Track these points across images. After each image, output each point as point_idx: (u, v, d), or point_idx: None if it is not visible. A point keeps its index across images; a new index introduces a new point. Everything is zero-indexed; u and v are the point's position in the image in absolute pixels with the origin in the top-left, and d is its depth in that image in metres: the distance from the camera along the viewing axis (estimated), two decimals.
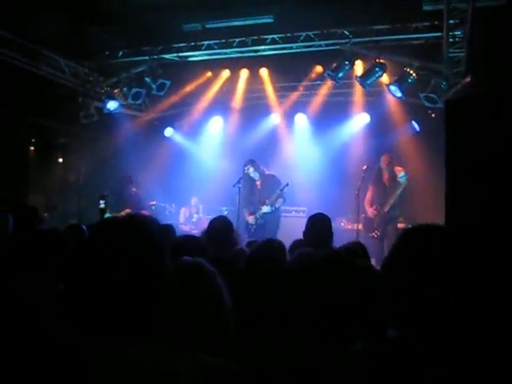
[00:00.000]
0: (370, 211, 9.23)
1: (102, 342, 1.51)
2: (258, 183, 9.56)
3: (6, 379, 2.17)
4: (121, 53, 10.71)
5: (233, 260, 3.96)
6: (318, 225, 4.84)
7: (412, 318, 1.56)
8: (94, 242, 1.64)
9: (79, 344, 1.61)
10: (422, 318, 1.54)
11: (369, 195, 9.37)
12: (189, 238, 3.88)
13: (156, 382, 1.44)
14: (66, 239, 3.21)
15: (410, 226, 7.75)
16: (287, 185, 9.28)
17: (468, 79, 8.10)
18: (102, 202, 6.74)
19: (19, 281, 2.72)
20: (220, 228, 4.59)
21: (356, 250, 3.60)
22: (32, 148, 12.06)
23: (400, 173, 9.04)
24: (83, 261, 1.62)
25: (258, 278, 3.43)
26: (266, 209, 9.30)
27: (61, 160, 13.01)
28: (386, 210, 9.06)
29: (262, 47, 9.87)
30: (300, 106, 12.31)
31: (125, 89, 10.99)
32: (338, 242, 4.84)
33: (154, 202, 11.69)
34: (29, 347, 2.25)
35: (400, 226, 9.43)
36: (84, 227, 4.32)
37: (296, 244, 4.91)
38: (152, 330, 1.54)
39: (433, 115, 9.81)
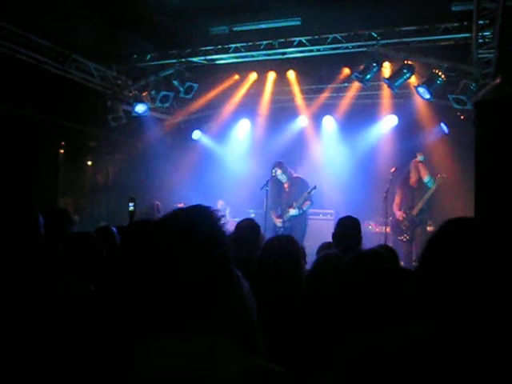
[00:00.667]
0: (399, 214, 9.17)
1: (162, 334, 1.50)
2: (286, 186, 9.54)
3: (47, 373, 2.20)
4: (149, 56, 10.81)
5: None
6: (347, 227, 4.82)
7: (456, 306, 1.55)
8: (161, 231, 1.59)
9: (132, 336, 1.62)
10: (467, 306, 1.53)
11: (397, 199, 9.31)
12: None
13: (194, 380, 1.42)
14: (99, 242, 3.26)
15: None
16: (315, 187, 9.25)
17: (498, 80, 7.99)
18: (131, 204, 6.77)
19: (60, 279, 2.76)
20: (247, 231, 4.58)
21: (384, 254, 3.57)
22: (62, 151, 12.21)
23: (426, 177, 8.97)
24: (149, 252, 1.60)
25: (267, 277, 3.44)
26: (293, 212, 9.27)
27: (90, 163, 13.16)
28: (414, 213, 8.98)
29: (289, 49, 9.87)
30: (327, 108, 12.27)
31: (153, 92, 11.09)
32: (366, 244, 4.82)
33: (182, 205, 11.75)
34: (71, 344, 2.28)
35: (429, 229, 9.33)
36: (114, 229, 4.35)
37: (324, 246, 4.90)
38: (214, 323, 1.52)
39: (462, 117, 9.70)
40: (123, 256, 2.51)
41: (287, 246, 3.69)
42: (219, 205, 12.14)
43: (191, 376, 1.39)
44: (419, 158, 9.08)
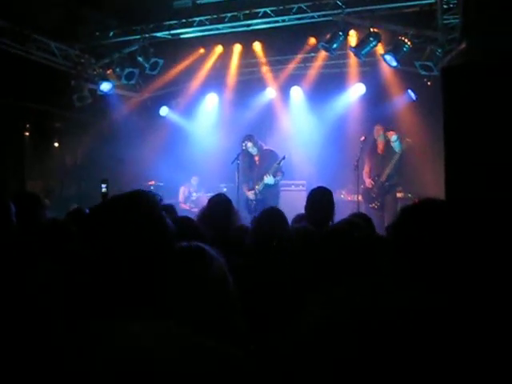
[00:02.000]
0: (368, 182, 9.25)
1: (106, 316, 1.49)
2: (257, 158, 9.52)
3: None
4: (112, 33, 10.59)
5: (236, 239, 3.98)
6: (319, 198, 4.82)
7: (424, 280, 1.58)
8: (97, 217, 1.62)
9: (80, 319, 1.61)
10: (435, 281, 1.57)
11: (366, 167, 9.39)
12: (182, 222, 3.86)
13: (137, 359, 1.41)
14: (72, 227, 3.21)
15: (409, 195, 7.74)
16: (284, 158, 9.24)
17: (463, 46, 8.03)
18: (103, 185, 6.71)
19: (35, 268, 2.72)
20: (219, 206, 4.57)
21: (359, 223, 3.59)
22: (27, 133, 12.01)
23: (392, 137, 9.01)
24: (87, 239, 1.61)
25: (266, 255, 3.45)
26: (268, 179, 9.20)
27: (57, 144, 12.98)
28: (383, 179, 9.05)
29: (255, 21, 9.77)
30: (295, 78, 12.23)
31: (118, 69, 10.91)
32: (339, 214, 4.83)
33: (153, 182, 11.69)
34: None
35: (399, 195, 9.45)
36: (87, 211, 4.30)
37: (298, 218, 4.91)
38: (154, 308, 1.53)
39: (429, 83, 9.76)
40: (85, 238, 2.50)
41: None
42: (194, 181, 12.08)
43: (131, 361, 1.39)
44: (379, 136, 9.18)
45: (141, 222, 1.56)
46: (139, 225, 1.55)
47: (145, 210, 1.60)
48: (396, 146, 8.98)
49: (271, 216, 3.78)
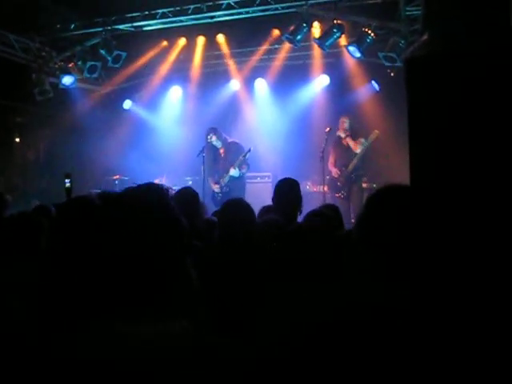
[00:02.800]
0: (334, 171, 9.30)
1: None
2: (222, 151, 9.51)
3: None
4: (73, 25, 10.42)
5: (203, 232, 3.96)
6: (287, 190, 4.82)
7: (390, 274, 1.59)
8: (111, 211, 1.55)
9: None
10: (400, 273, 1.57)
11: (331, 158, 9.44)
12: None
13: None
14: (39, 223, 3.14)
15: (374, 185, 7.82)
16: (249, 150, 9.25)
17: (425, 37, 8.11)
18: (67, 180, 6.59)
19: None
20: (186, 199, 4.54)
21: (328, 214, 3.60)
22: None
23: (358, 148, 9.13)
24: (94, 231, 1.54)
25: (234, 248, 3.44)
26: (233, 172, 9.22)
27: (18, 140, 12.73)
28: (350, 169, 9.12)
29: (218, 13, 9.72)
30: (259, 71, 12.22)
31: (79, 63, 10.74)
32: (306, 205, 4.85)
33: (118, 176, 11.56)
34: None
35: (364, 185, 9.52)
36: (52, 208, 4.21)
37: (264, 210, 4.91)
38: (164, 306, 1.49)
39: (392, 74, 9.85)
40: (66, 234, 2.43)
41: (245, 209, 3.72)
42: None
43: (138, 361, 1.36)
44: (341, 134, 9.23)
45: (153, 215, 1.50)
46: (151, 218, 1.50)
47: (157, 205, 1.54)
48: (364, 144, 9.08)
49: (237, 207, 3.77)
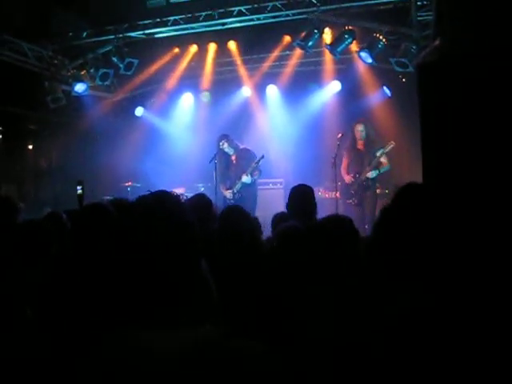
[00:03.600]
0: (348, 178, 9.19)
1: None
2: (233, 158, 9.52)
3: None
4: (85, 33, 10.47)
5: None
6: (301, 197, 4.79)
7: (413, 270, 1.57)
8: (126, 220, 1.54)
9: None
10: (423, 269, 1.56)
11: (344, 162, 9.31)
12: None
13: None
14: (49, 230, 3.15)
15: (386, 191, 7.74)
16: (263, 157, 9.24)
17: (437, 42, 8.09)
18: (79, 187, 6.61)
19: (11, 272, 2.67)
20: (199, 206, 4.54)
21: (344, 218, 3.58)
22: (0, 136, 11.83)
23: (386, 166, 9.02)
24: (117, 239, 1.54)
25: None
26: (245, 179, 9.21)
27: (31, 147, 12.81)
28: (363, 177, 8.98)
29: (229, 20, 9.74)
30: (271, 77, 12.23)
31: (92, 70, 10.81)
32: (318, 211, 4.83)
33: (130, 183, 11.59)
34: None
35: (378, 191, 9.45)
36: (63, 215, 4.22)
37: (278, 217, 4.89)
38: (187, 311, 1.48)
39: (403, 80, 9.81)
40: (82, 241, 2.44)
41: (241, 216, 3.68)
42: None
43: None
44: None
45: (167, 223, 1.50)
46: (165, 224, 1.49)
47: (171, 212, 1.53)
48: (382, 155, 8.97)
49: (233, 212, 3.74)
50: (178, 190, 11.53)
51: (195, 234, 1.54)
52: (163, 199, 1.57)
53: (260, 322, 2.18)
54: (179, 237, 1.49)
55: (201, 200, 4.74)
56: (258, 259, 3.30)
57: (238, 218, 3.61)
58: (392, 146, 8.89)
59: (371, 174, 8.93)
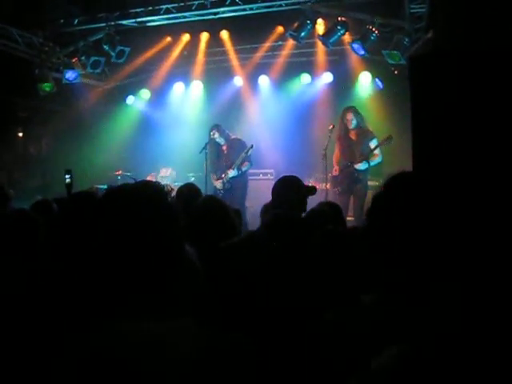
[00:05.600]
0: (335, 169, 9.04)
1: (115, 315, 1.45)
2: (224, 148, 9.52)
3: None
4: (76, 20, 10.38)
5: None
6: (283, 187, 4.73)
7: (403, 262, 1.57)
8: (107, 208, 1.55)
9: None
10: (413, 261, 1.55)
11: (336, 152, 9.22)
12: None
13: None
14: (36, 219, 3.14)
15: (377, 184, 7.68)
16: (252, 147, 9.23)
17: (429, 35, 8.10)
18: (67, 176, 6.57)
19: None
20: (188, 196, 4.54)
21: (327, 212, 3.57)
22: None
23: (378, 157, 8.87)
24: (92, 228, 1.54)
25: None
26: (232, 173, 9.26)
27: (21, 134, 12.74)
28: (355, 167, 8.81)
29: (222, 9, 9.70)
30: (263, 67, 12.20)
31: (83, 58, 10.72)
32: (308, 202, 4.82)
33: (120, 172, 11.55)
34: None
35: (370, 183, 9.40)
36: (53, 203, 4.20)
37: (267, 207, 4.88)
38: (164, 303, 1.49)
39: (396, 72, 9.81)
40: (69, 228, 2.43)
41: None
42: (167, 172, 11.85)
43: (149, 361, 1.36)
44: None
45: (150, 212, 1.50)
46: (148, 214, 1.50)
47: (153, 200, 1.54)
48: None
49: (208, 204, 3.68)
50: (166, 171, 11.56)
51: (178, 221, 1.55)
52: (145, 188, 1.58)
53: (246, 313, 2.18)
54: (162, 224, 1.50)
55: (189, 189, 4.74)
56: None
57: (213, 206, 3.54)
58: (391, 141, 8.73)
59: (361, 166, 8.84)
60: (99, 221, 1.51)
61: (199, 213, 3.42)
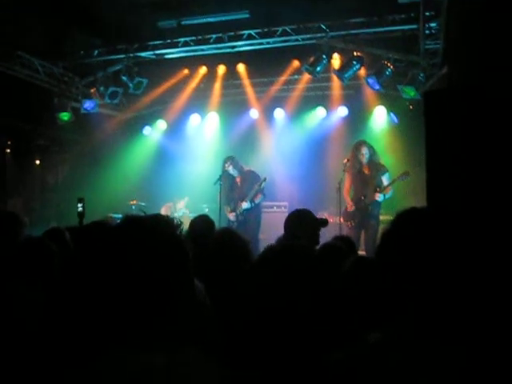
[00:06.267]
0: (349, 205, 9.00)
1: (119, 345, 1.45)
2: (238, 180, 9.54)
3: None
4: (96, 52, 10.59)
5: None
6: (295, 220, 4.74)
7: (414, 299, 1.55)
8: (116, 242, 1.56)
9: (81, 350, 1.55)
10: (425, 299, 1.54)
11: (347, 184, 9.10)
12: None
13: None
14: (51, 246, 3.15)
15: (389, 218, 7.59)
16: (265, 180, 9.24)
17: (444, 70, 8.13)
18: (79, 205, 6.61)
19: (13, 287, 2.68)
20: (202, 227, 4.55)
21: (341, 247, 3.55)
22: (8, 151, 11.89)
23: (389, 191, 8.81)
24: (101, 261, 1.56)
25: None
26: (245, 205, 9.26)
27: (38, 162, 12.86)
28: (369, 200, 8.78)
29: (239, 43, 9.83)
30: (278, 100, 12.28)
31: (101, 88, 10.88)
32: (321, 235, 4.82)
33: (135, 202, 11.60)
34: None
35: (381, 217, 9.34)
36: (66, 231, 4.22)
37: (280, 240, 4.87)
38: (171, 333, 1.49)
39: (411, 107, 9.83)
40: (83, 258, 2.44)
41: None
42: (179, 204, 11.85)
43: None
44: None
45: (160, 244, 1.52)
46: (159, 248, 1.51)
47: (164, 234, 1.56)
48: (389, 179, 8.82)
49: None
50: (182, 202, 11.59)
51: (187, 256, 1.55)
52: (155, 222, 1.59)
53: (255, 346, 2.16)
54: (171, 257, 1.50)
55: (203, 221, 4.75)
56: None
57: (229, 239, 3.54)
58: (407, 177, 8.70)
59: (379, 198, 8.77)
60: (108, 254, 1.52)
61: (217, 245, 3.44)
